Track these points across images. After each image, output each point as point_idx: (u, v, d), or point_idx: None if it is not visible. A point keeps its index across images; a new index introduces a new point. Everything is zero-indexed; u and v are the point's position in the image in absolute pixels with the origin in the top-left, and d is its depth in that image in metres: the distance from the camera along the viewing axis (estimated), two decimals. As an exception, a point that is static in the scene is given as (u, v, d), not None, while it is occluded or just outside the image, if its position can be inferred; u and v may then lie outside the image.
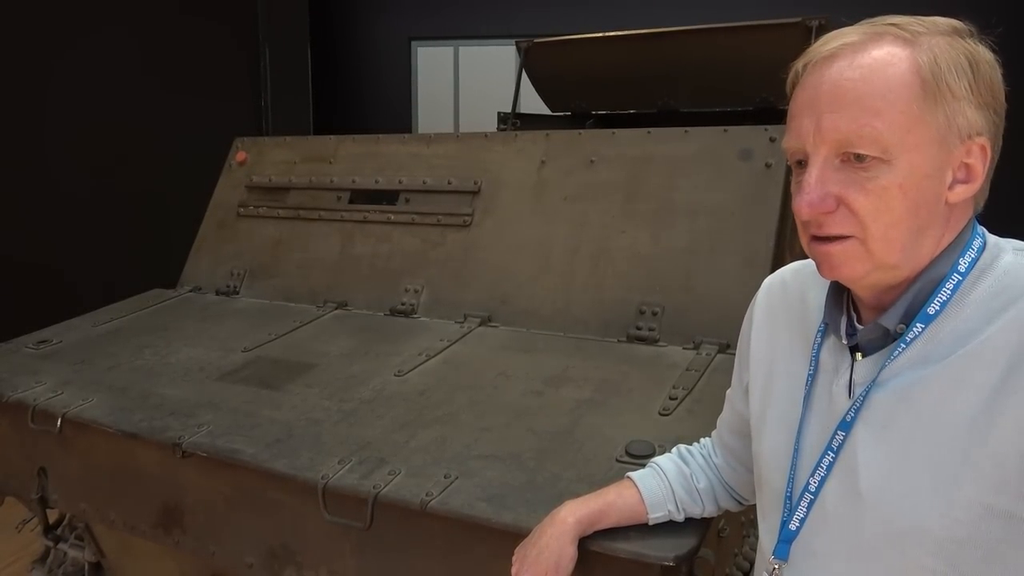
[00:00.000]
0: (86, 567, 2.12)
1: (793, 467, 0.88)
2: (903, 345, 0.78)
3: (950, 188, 0.76)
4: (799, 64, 0.80)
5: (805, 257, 1.02)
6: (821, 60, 0.77)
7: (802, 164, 0.79)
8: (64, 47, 4.08)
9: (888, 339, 0.80)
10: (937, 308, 0.77)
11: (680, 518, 1.12)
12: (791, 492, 0.87)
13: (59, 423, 1.69)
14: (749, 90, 3.01)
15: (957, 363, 0.75)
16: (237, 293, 2.47)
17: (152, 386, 1.80)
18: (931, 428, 0.75)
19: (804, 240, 0.81)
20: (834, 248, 0.77)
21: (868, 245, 0.75)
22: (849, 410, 0.81)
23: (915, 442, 0.76)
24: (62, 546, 2.15)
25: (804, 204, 0.75)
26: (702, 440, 1.20)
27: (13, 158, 3.84)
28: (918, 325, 0.78)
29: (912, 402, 0.77)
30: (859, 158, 0.74)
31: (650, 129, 2.06)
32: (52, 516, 2.09)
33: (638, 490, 1.11)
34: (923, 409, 0.76)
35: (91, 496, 1.75)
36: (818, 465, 0.83)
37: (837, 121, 0.74)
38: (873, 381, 0.80)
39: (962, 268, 0.77)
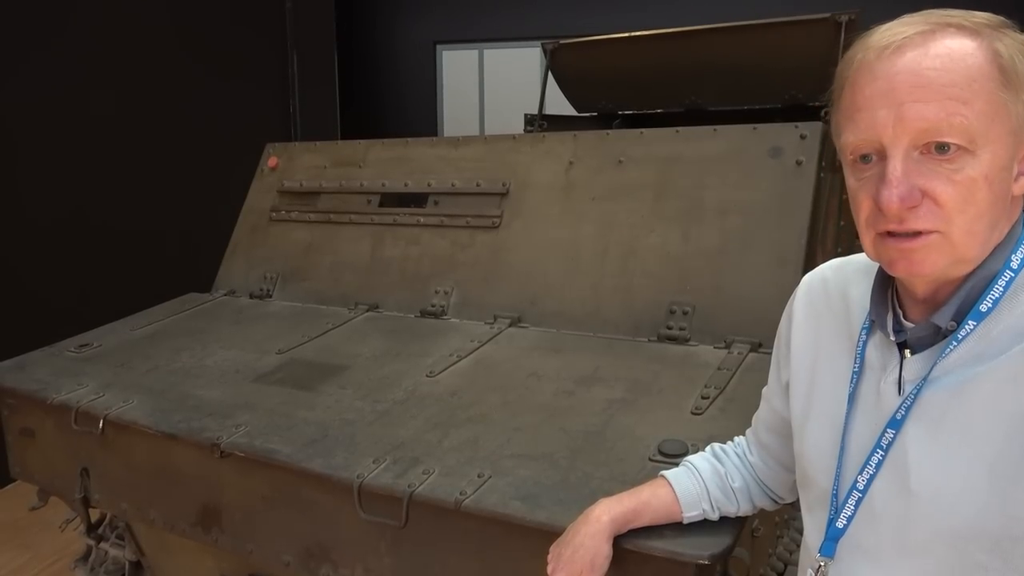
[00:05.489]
0: (127, 565, 2.17)
1: (839, 465, 0.87)
2: (955, 342, 0.77)
3: (1015, 180, 0.75)
4: (855, 56, 0.76)
5: (837, 255, 1.01)
6: (889, 50, 0.73)
7: (867, 159, 0.76)
8: (99, 47, 4.16)
9: (938, 336, 0.79)
10: (990, 305, 0.76)
11: (715, 517, 1.12)
12: (837, 490, 0.86)
13: (101, 424, 1.73)
14: (778, 88, 2.97)
15: (1012, 360, 0.74)
16: (270, 296, 2.50)
17: (190, 388, 1.83)
18: (986, 425, 0.74)
19: (868, 237, 0.78)
20: (916, 244, 0.73)
21: (952, 239, 0.73)
22: (899, 408, 0.80)
23: (969, 440, 0.75)
24: (103, 545, 2.21)
25: (895, 198, 0.71)
26: (736, 439, 1.19)
27: (44, 166, 3.92)
28: (970, 322, 0.76)
29: (966, 399, 0.76)
30: (942, 149, 0.71)
31: (678, 128, 2.05)
32: (94, 515, 2.14)
33: (672, 489, 1.11)
34: (977, 406, 0.75)
35: (132, 496, 1.79)
36: (867, 463, 0.83)
37: (923, 111, 0.71)
38: (924, 379, 0.79)
39: (1014, 265, 0.76)
